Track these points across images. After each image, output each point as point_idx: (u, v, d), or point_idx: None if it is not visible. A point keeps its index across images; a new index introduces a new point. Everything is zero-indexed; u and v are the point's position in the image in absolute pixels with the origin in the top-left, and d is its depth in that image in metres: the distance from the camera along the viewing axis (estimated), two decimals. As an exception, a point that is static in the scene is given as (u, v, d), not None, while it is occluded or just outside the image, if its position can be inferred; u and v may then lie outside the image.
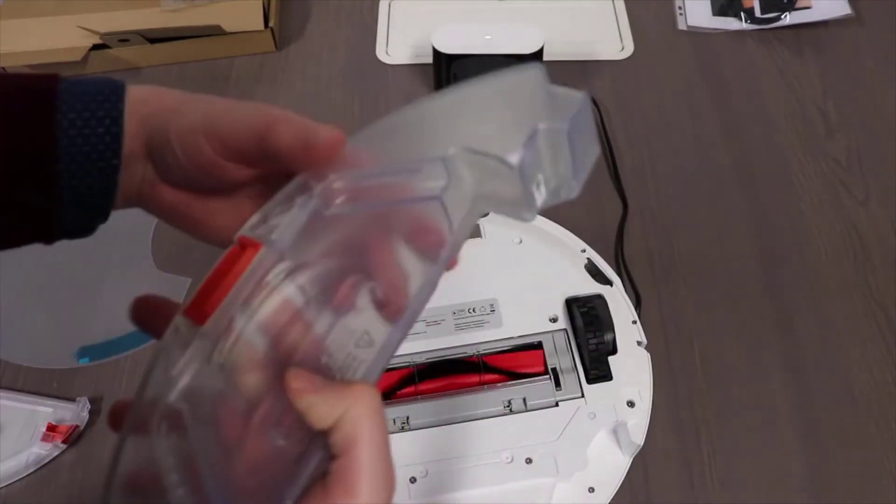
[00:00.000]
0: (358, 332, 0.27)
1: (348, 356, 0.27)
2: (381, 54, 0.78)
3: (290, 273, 0.27)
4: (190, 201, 0.32)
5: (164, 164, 0.30)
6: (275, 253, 0.27)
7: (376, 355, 0.26)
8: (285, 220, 0.27)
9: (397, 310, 0.27)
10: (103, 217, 0.32)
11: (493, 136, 0.26)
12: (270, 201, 0.28)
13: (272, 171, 0.30)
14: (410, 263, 0.27)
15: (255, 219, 0.28)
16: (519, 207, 0.26)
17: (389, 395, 0.52)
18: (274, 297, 0.27)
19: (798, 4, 0.78)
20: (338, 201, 0.28)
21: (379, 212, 0.28)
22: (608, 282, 0.58)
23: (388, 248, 0.28)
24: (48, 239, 0.31)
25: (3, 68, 0.76)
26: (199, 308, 0.26)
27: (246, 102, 0.30)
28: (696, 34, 0.78)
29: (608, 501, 0.50)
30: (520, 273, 0.58)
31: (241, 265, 0.26)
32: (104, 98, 0.29)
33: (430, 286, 0.27)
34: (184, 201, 0.32)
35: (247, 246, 0.27)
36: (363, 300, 0.27)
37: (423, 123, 0.28)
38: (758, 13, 0.78)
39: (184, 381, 0.25)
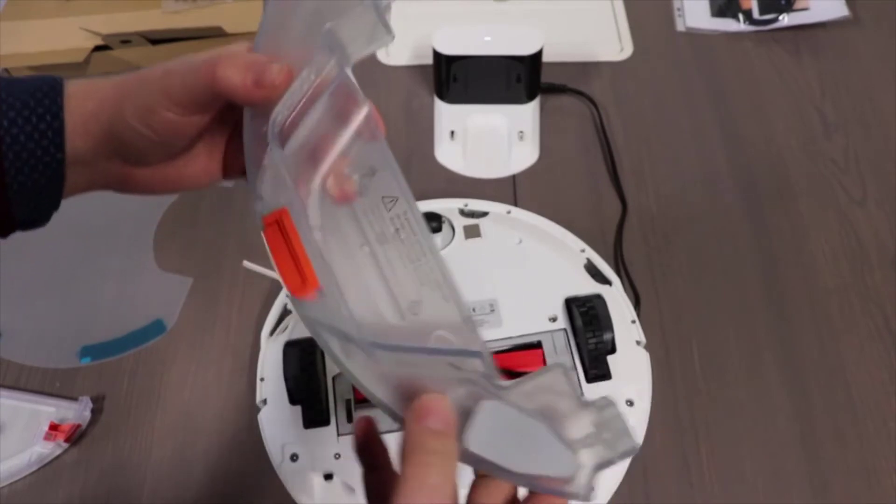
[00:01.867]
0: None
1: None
2: (381, 55, 0.78)
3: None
4: (161, 171, 0.34)
5: (129, 152, 0.32)
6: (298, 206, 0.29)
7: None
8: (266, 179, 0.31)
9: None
10: (55, 207, 0.33)
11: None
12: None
13: (223, 109, 0.32)
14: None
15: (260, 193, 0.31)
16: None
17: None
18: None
19: (796, 6, 0.78)
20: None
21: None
22: (607, 281, 0.58)
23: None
24: (2, 232, 0.33)
25: (7, 70, 0.77)
26: (302, 283, 0.29)
27: (191, 57, 0.31)
28: (694, 35, 0.79)
29: (607, 500, 0.50)
30: (519, 273, 0.58)
31: (291, 230, 0.29)
32: (43, 95, 0.30)
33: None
34: (156, 174, 0.34)
35: (276, 219, 0.29)
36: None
37: None
38: (756, 14, 0.78)
39: None
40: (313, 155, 0.31)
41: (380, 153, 0.30)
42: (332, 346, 0.29)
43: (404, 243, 0.30)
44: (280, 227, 0.29)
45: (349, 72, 0.30)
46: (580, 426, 0.29)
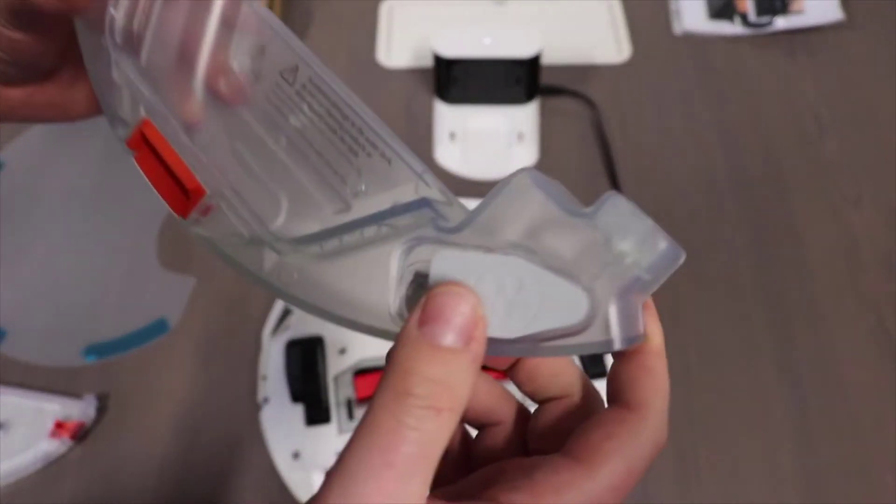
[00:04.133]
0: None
1: None
2: (382, 57, 0.79)
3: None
4: (34, 94, 0.31)
5: None
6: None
7: None
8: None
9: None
10: None
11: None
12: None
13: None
14: None
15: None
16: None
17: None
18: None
19: (791, 9, 0.79)
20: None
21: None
22: (605, 281, 0.59)
23: None
24: None
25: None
26: (185, 195, 0.24)
27: None
28: (692, 38, 0.79)
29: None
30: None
31: (158, 139, 0.24)
32: None
33: None
34: (31, 98, 0.31)
35: (139, 136, 0.25)
36: None
37: None
38: (752, 17, 0.79)
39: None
40: (182, 55, 0.25)
41: (257, 21, 0.24)
42: (251, 264, 0.24)
43: (319, 115, 0.23)
44: (147, 143, 0.24)
45: None
46: (579, 246, 0.20)
